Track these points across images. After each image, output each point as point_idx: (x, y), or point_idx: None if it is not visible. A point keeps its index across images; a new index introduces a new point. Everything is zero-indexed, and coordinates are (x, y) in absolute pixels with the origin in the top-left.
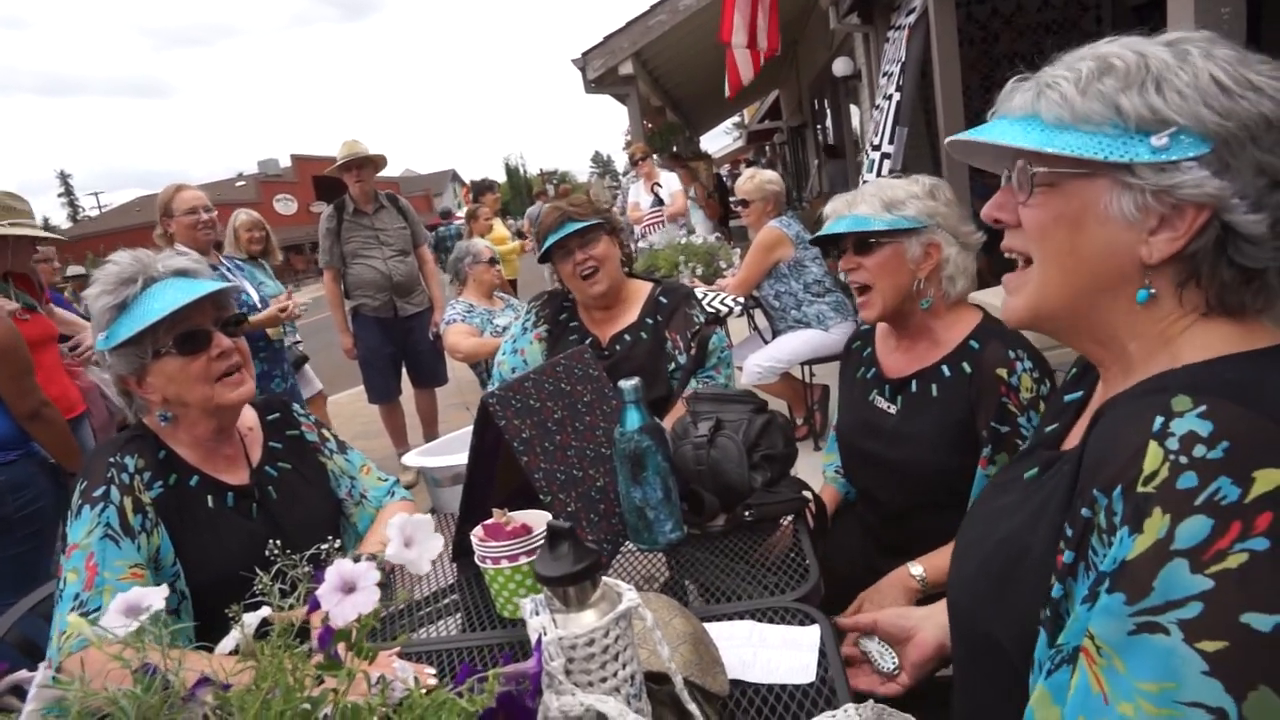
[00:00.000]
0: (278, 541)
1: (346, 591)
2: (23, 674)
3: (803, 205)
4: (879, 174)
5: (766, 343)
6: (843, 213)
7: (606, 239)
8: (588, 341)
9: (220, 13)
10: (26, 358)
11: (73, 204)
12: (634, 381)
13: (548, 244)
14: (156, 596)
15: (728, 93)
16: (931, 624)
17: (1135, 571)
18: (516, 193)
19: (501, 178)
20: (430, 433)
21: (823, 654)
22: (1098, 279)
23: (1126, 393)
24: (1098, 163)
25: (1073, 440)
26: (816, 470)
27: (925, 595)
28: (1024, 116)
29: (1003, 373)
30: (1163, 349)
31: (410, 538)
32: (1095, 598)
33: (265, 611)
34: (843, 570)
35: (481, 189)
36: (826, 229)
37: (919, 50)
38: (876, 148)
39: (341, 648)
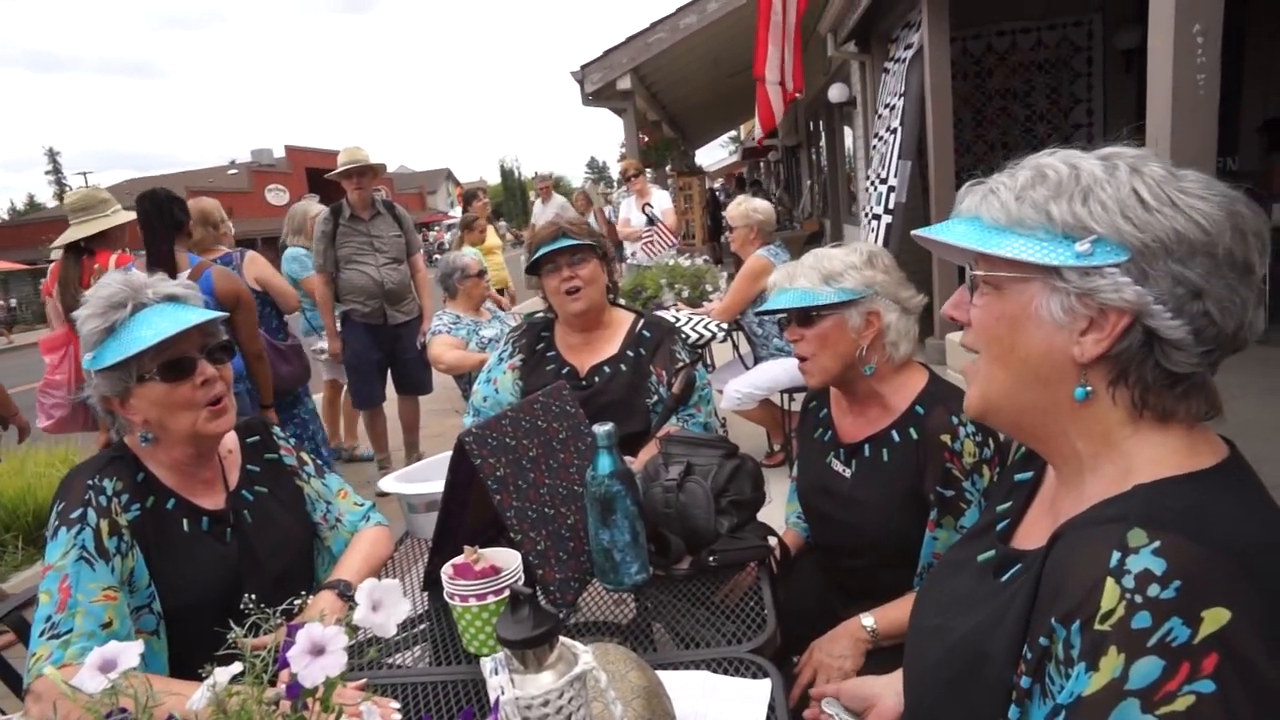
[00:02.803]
0: (253, 596)
1: (316, 654)
2: None
3: (795, 225)
4: (887, 207)
5: (748, 368)
6: (784, 286)
7: (596, 262)
8: (564, 372)
9: None
10: (255, 309)
11: (60, 182)
12: (608, 427)
13: (538, 255)
14: (131, 653)
15: (759, 131)
16: (892, 693)
17: (1090, 708)
18: (510, 195)
19: (496, 179)
20: (411, 439)
21: (771, 709)
22: (1037, 376)
23: (1084, 516)
24: (1030, 265)
25: (1025, 535)
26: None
27: (875, 646)
28: (970, 218)
29: (946, 438)
30: (1109, 452)
31: (378, 601)
32: None
33: (237, 668)
34: (803, 612)
35: (469, 196)
36: (769, 303)
37: (917, 84)
38: (884, 180)
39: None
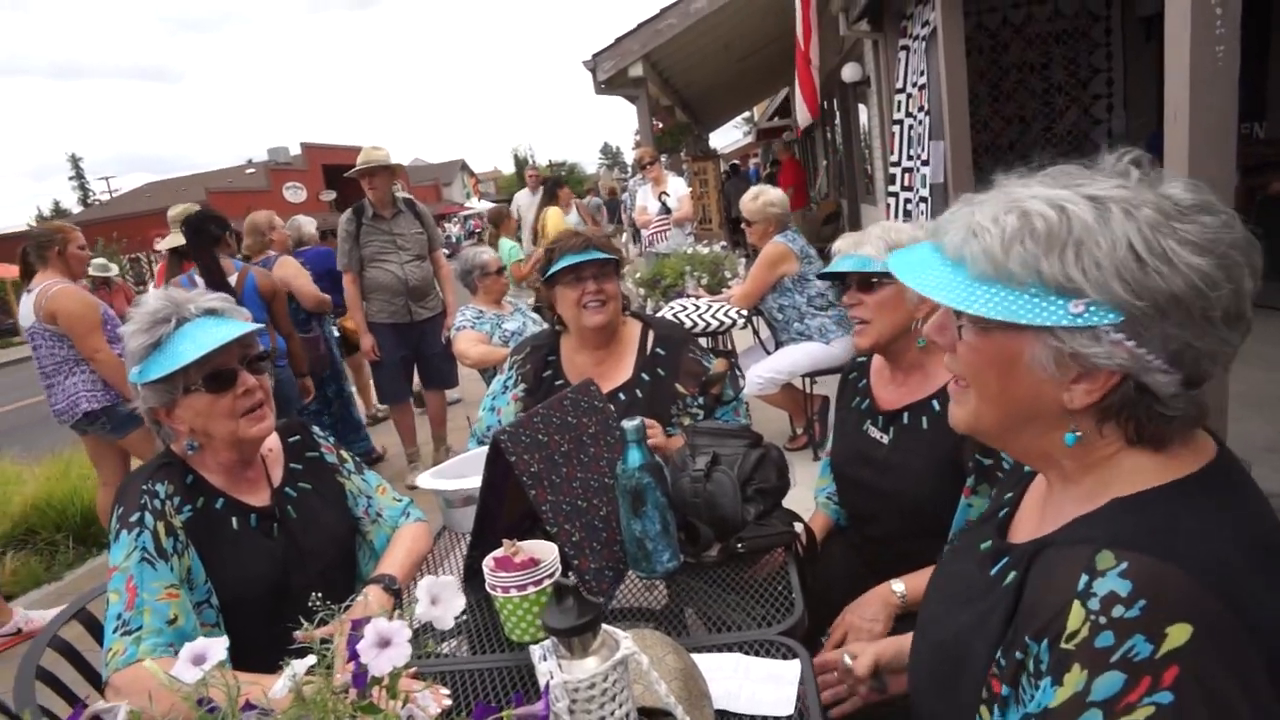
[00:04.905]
0: (319, 594)
1: (382, 646)
2: (100, 705)
3: (811, 207)
4: (926, 187)
5: (769, 353)
6: (849, 251)
7: (616, 279)
8: None
9: None
10: (286, 301)
11: (84, 188)
12: (636, 422)
13: (564, 264)
14: (219, 648)
15: (808, 116)
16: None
17: (1056, 718)
18: (524, 184)
19: (510, 168)
20: (438, 432)
21: (801, 688)
22: (1026, 415)
23: (1062, 534)
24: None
25: (1018, 527)
26: (813, 480)
27: (904, 611)
28: (954, 262)
29: None
30: (1095, 468)
31: (437, 596)
32: None
33: (312, 660)
34: (833, 594)
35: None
36: (833, 266)
37: (939, 61)
38: (925, 163)
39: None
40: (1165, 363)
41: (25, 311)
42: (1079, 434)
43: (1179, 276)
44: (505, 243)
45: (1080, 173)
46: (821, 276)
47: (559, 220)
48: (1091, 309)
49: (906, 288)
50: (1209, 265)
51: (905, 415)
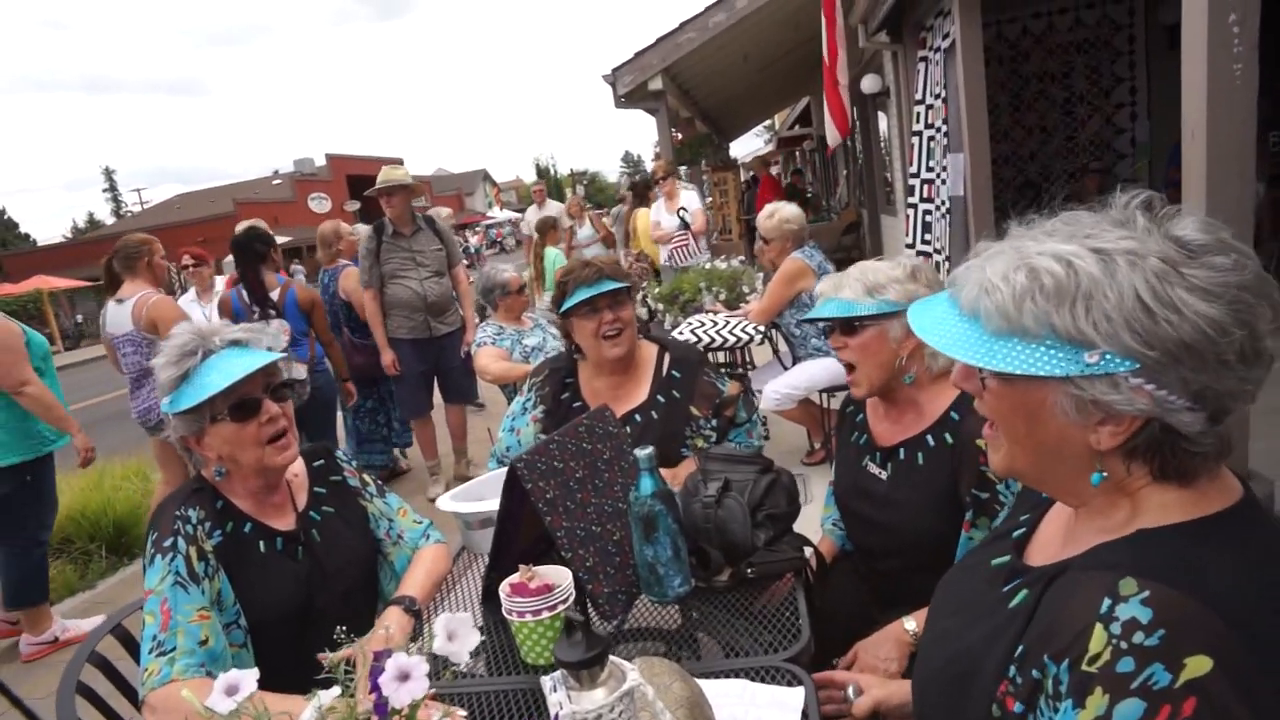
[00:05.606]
0: (344, 628)
1: (402, 680)
2: None
3: (831, 216)
4: (941, 200)
5: (786, 368)
6: (830, 295)
7: (630, 304)
8: None
9: (256, 12)
10: (325, 311)
11: (116, 199)
12: (648, 450)
13: (578, 299)
14: (251, 679)
15: (836, 136)
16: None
17: None
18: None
19: (532, 177)
20: (459, 446)
21: (805, 715)
22: (1056, 457)
23: (1084, 559)
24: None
25: (1037, 549)
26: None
27: (917, 648)
28: (970, 317)
29: (980, 443)
30: (1123, 502)
31: (453, 632)
32: None
33: (337, 691)
34: (840, 618)
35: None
36: (814, 311)
37: (957, 74)
38: (946, 170)
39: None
40: (1189, 402)
41: (118, 319)
42: (1105, 474)
43: (1188, 324)
44: (551, 251)
45: (1089, 222)
46: (805, 321)
47: (649, 222)
48: (1106, 358)
49: (889, 327)
50: (1218, 312)
51: (901, 451)
